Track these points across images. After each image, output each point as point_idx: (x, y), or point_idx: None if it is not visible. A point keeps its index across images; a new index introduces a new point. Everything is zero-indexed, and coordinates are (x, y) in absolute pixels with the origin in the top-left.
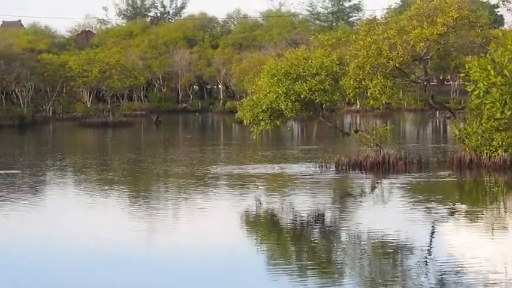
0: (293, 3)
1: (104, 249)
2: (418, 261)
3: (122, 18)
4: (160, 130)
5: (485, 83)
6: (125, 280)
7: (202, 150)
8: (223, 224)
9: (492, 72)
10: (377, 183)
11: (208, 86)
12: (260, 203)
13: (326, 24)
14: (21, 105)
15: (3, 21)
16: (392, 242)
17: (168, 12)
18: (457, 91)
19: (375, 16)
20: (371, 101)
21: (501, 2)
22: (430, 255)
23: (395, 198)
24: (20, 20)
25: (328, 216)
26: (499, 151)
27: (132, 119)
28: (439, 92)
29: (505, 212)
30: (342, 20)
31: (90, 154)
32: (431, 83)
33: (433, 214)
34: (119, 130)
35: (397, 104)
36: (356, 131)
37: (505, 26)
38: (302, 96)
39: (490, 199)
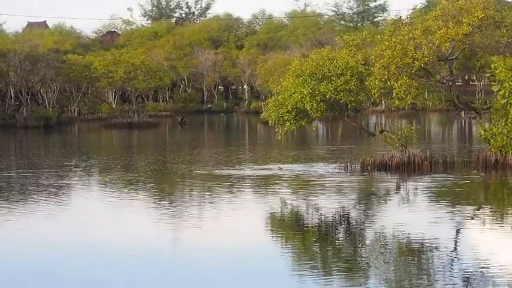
0: (318, 3)
1: (128, 250)
2: (443, 262)
3: (147, 19)
4: (185, 131)
5: (510, 83)
6: (150, 280)
7: (228, 151)
8: (248, 224)
9: None
10: (402, 183)
11: (233, 87)
12: (285, 204)
13: (351, 24)
14: (47, 106)
15: (28, 22)
16: (417, 243)
17: (193, 13)
18: (483, 91)
19: (400, 16)
20: (396, 101)
21: None
22: (455, 255)
23: (421, 198)
24: (45, 21)
25: (353, 217)
26: None
27: (157, 120)
28: (464, 92)
29: None
30: (367, 20)
31: (115, 155)
32: (457, 83)
33: (458, 214)
34: (144, 131)
35: (422, 104)
36: (381, 132)
37: None
38: (327, 96)
39: None
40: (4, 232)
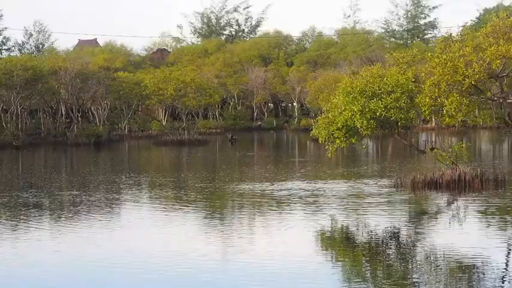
0: (368, 20)
1: (179, 268)
2: (494, 282)
3: (197, 37)
4: (235, 148)
5: None
6: None
7: (278, 168)
8: (298, 241)
9: None
10: (453, 201)
11: (283, 104)
12: (335, 221)
13: (401, 41)
14: (97, 123)
15: (79, 40)
16: (468, 262)
17: (243, 30)
18: None
19: (451, 33)
20: (447, 119)
21: None
22: (507, 276)
23: (471, 216)
24: (96, 39)
25: (403, 235)
26: None
27: (207, 137)
28: None
29: None
30: (417, 37)
31: (165, 172)
32: (508, 101)
33: (509, 233)
34: (194, 148)
35: (472, 122)
36: (432, 149)
37: None
38: (377, 114)
39: None
40: (58, 247)
